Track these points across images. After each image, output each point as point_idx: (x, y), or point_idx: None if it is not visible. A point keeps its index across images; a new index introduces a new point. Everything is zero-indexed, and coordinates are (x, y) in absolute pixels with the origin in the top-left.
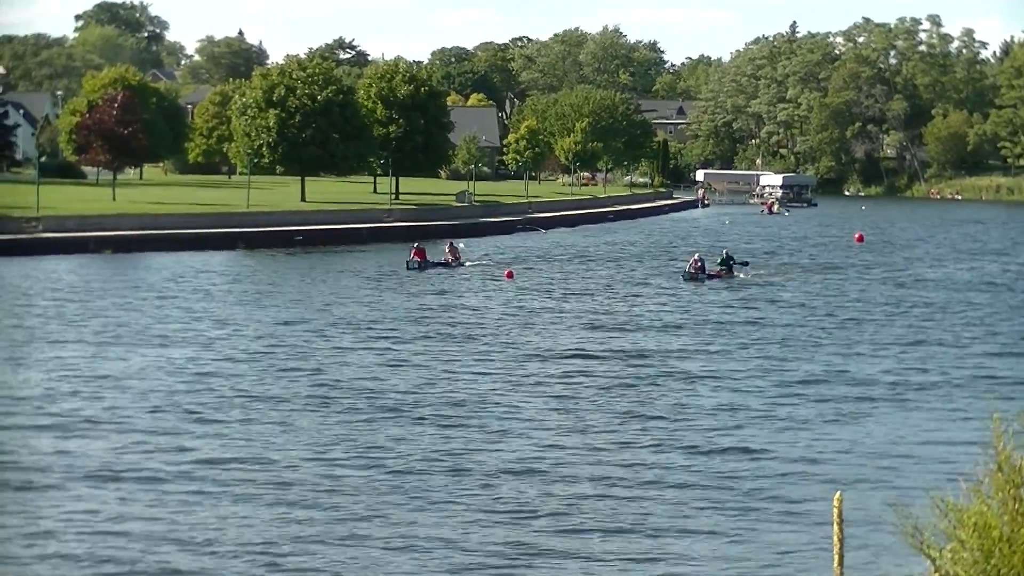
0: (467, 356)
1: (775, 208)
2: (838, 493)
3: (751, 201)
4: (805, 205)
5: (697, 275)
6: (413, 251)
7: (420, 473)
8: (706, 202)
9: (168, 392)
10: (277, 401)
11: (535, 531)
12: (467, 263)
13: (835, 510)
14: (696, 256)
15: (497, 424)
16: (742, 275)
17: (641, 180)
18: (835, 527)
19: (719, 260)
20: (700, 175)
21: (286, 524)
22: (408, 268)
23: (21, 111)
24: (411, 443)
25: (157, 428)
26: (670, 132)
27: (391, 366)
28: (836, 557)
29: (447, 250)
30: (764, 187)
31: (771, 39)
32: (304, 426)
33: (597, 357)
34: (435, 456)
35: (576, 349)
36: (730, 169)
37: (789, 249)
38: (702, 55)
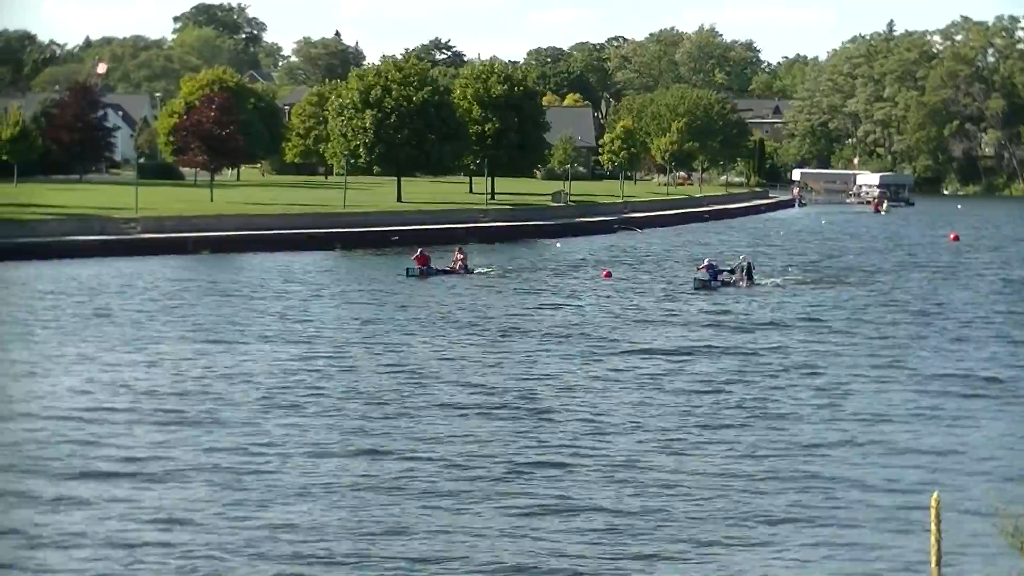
0: (582, 356)
1: (883, 207)
2: (935, 493)
3: (847, 200)
4: (903, 204)
5: (709, 283)
6: (415, 256)
7: (520, 469)
8: (803, 201)
9: (274, 388)
10: (385, 397)
11: (618, 533)
12: (476, 271)
13: (933, 510)
14: (707, 261)
15: (600, 421)
16: (768, 283)
17: (737, 180)
18: (933, 527)
19: (738, 267)
20: (796, 174)
21: (397, 517)
22: (408, 275)
23: (120, 113)
24: (522, 440)
25: (263, 422)
26: (766, 131)
27: (502, 366)
28: (934, 557)
29: (455, 256)
30: (861, 186)
31: (868, 38)
32: (418, 423)
33: (703, 354)
34: (538, 453)
35: (676, 347)
36: (826, 168)
37: (890, 248)
38: (798, 54)
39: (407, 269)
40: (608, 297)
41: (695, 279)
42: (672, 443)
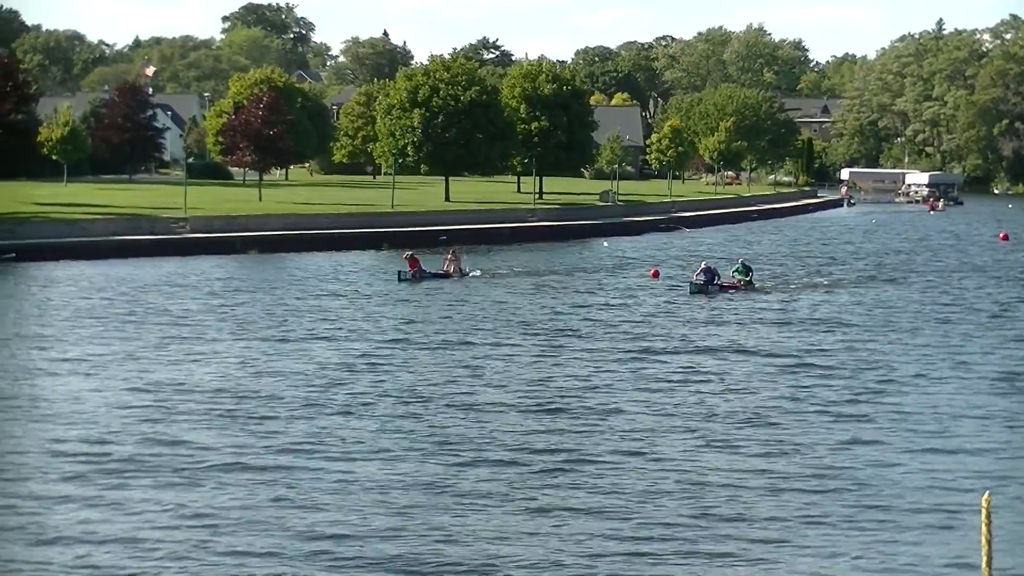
0: (625, 355)
1: (939, 206)
2: (986, 493)
3: (896, 200)
4: (952, 204)
5: (706, 287)
6: (407, 260)
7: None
8: (852, 201)
9: (321, 387)
10: (427, 397)
11: (667, 535)
12: (471, 274)
13: (984, 510)
14: (704, 264)
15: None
16: (760, 285)
17: (785, 179)
18: (983, 527)
19: (736, 268)
20: (845, 174)
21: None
22: (400, 280)
23: (169, 113)
24: (583, 438)
25: (306, 421)
26: (815, 131)
27: (553, 366)
28: (984, 558)
29: (447, 258)
30: (910, 186)
31: (917, 36)
32: (481, 423)
33: (746, 352)
34: (602, 451)
35: (726, 345)
36: (875, 168)
37: (944, 246)
38: (847, 53)
39: (399, 273)
40: (644, 295)
41: (691, 283)
42: (717, 442)
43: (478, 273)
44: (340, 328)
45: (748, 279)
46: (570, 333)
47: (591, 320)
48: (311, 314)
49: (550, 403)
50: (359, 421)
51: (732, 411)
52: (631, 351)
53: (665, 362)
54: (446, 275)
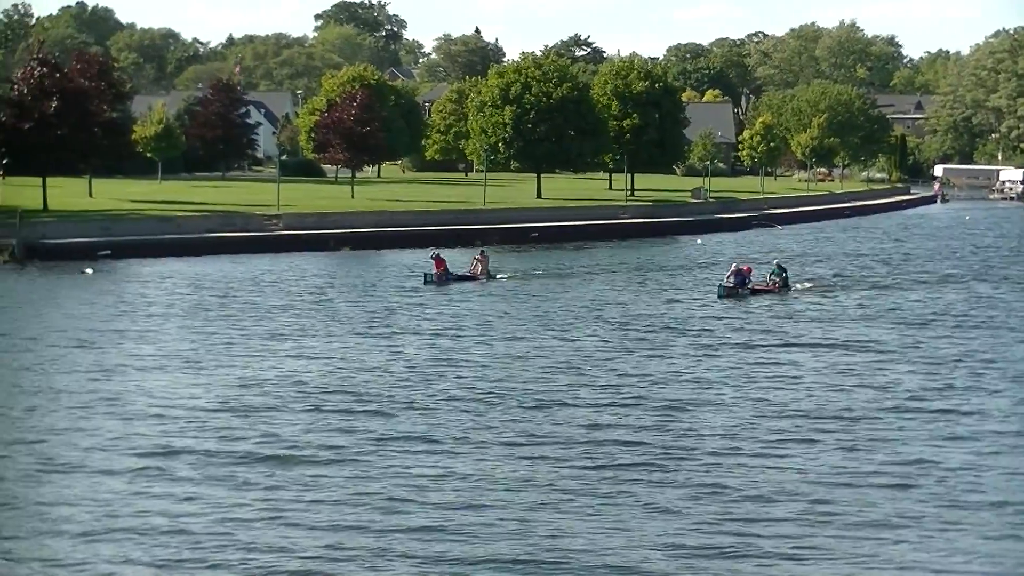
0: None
1: None
2: None
3: (990, 196)
4: None
5: (736, 289)
6: (433, 260)
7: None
8: (945, 197)
9: (412, 383)
10: (505, 393)
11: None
12: (498, 276)
13: None
14: (735, 266)
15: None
16: (798, 286)
17: (878, 175)
18: None
19: (772, 271)
20: (939, 170)
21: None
22: (426, 282)
23: (262, 110)
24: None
25: (392, 416)
26: (908, 127)
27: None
28: None
29: (476, 259)
30: (1004, 182)
31: (1012, 32)
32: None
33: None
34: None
35: (807, 342)
36: (969, 164)
37: None
38: (941, 49)
39: (424, 275)
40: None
41: (720, 286)
42: (799, 439)
43: (506, 276)
44: (433, 323)
45: (783, 281)
46: (659, 329)
47: (665, 317)
48: (404, 311)
49: (632, 399)
50: (449, 416)
51: (815, 407)
52: (700, 346)
53: (744, 357)
54: (473, 277)
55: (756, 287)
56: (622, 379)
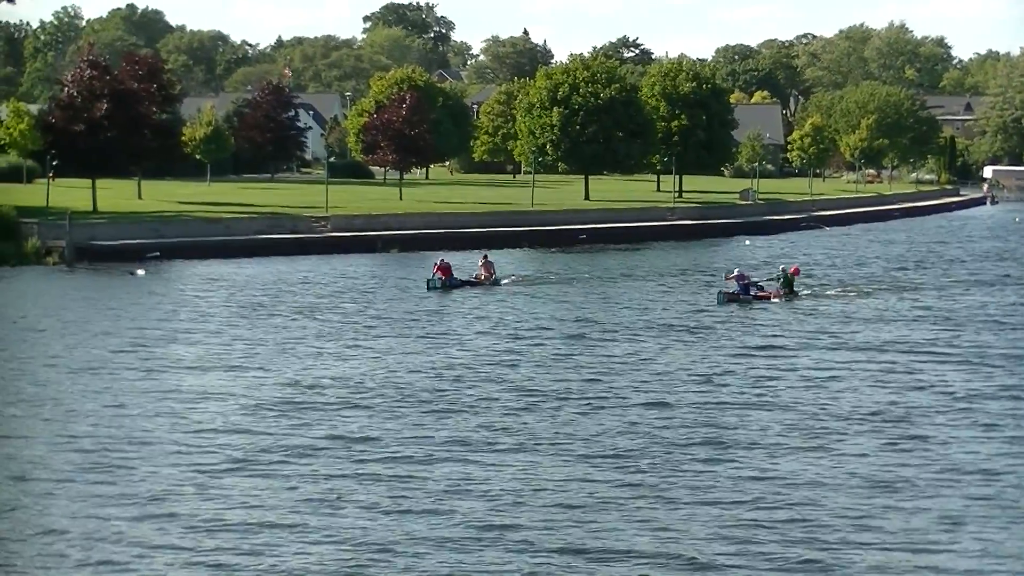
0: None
1: None
2: None
3: None
4: None
5: (738, 295)
6: (436, 267)
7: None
8: (995, 199)
9: (456, 384)
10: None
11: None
12: (503, 281)
13: None
14: (736, 271)
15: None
16: (802, 292)
17: (927, 177)
18: None
19: (776, 277)
20: (988, 172)
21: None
22: (429, 288)
23: (311, 112)
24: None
25: (431, 418)
26: (957, 128)
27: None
28: None
29: (480, 265)
30: None
31: None
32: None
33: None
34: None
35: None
36: (1019, 166)
37: None
38: (990, 50)
39: (428, 281)
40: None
41: (720, 292)
42: (839, 440)
43: (509, 281)
44: (486, 324)
45: (790, 287)
46: (660, 328)
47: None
48: (449, 311)
49: (679, 399)
50: (501, 417)
51: (856, 408)
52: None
53: (789, 359)
54: (477, 282)
55: (759, 294)
56: (650, 379)
